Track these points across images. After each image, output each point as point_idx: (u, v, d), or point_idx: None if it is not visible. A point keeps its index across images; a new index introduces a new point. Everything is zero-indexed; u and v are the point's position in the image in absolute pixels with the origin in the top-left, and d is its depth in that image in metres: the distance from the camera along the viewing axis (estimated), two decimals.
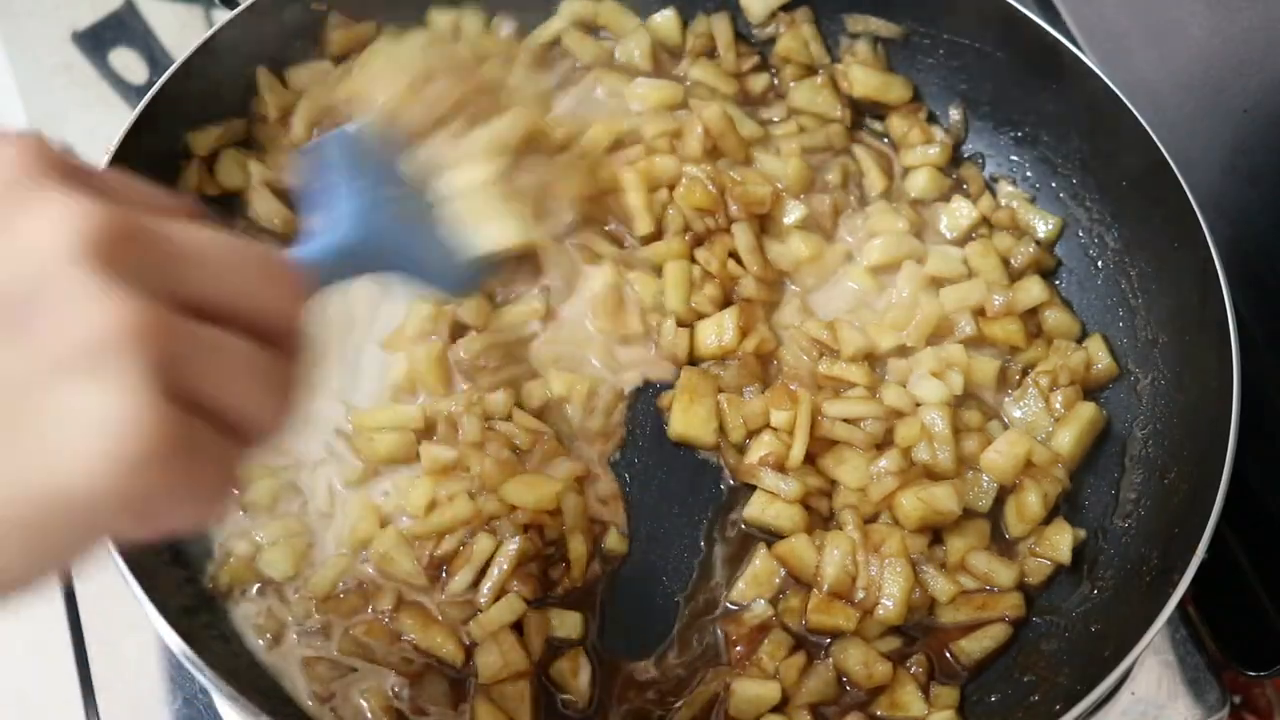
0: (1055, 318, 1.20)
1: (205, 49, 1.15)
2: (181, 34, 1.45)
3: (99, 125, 1.35)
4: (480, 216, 0.88)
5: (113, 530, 0.50)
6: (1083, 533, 1.09)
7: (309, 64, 1.24)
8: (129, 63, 1.44)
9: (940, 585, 1.06)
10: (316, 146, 0.81)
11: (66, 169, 0.51)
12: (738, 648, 1.04)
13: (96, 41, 1.45)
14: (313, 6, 1.23)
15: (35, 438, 0.46)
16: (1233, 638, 1.17)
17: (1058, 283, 1.25)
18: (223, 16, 1.18)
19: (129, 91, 1.42)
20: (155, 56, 1.44)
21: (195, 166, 1.18)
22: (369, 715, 0.99)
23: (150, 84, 1.19)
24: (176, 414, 0.48)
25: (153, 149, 1.13)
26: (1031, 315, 1.21)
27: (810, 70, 1.32)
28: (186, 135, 1.18)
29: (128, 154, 1.08)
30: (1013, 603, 1.06)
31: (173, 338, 0.49)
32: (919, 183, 1.27)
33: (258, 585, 1.03)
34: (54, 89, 1.41)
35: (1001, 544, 1.10)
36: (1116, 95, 1.15)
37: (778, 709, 1.01)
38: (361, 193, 0.79)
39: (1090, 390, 1.17)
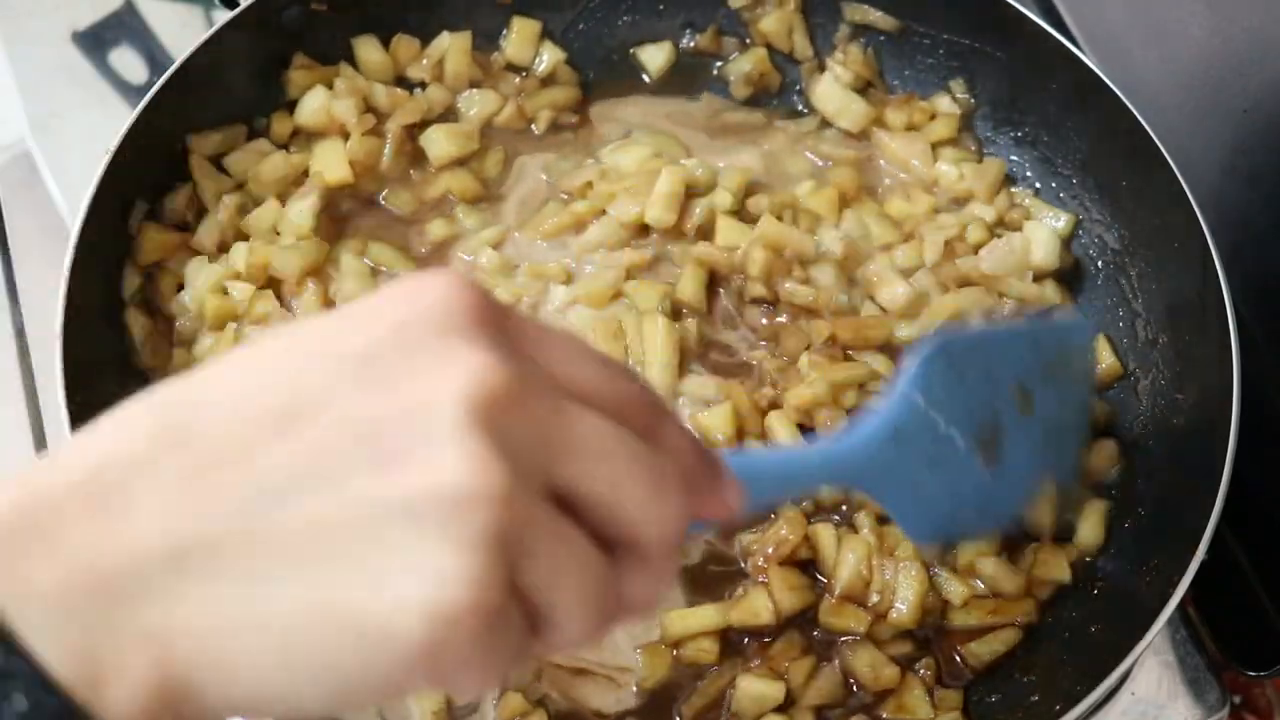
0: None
1: (205, 49, 1.15)
2: (181, 34, 1.45)
3: (99, 125, 1.34)
4: None
5: (394, 686, 0.49)
6: (1075, 551, 1.09)
7: (250, 146, 1.22)
8: (129, 63, 1.44)
9: (954, 588, 1.06)
10: (927, 345, 0.75)
11: (496, 322, 0.50)
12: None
13: (96, 41, 1.45)
14: (313, 6, 1.23)
15: (363, 569, 0.46)
16: (1233, 638, 1.17)
17: (1062, 285, 1.25)
18: (223, 16, 1.18)
19: (129, 91, 1.42)
20: (155, 56, 1.44)
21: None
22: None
23: (150, 84, 1.19)
24: (503, 591, 0.47)
25: (153, 149, 1.13)
26: None
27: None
28: (187, 136, 1.18)
29: (127, 154, 1.08)
30: (1026, 608, 1.06)
31: (528, 519, 0.48)
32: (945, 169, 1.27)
33: None
34: (54, 89, 1.41)
35: (1011, 550, 1.10)
36: (1116, 95, 1.15)
37: (782, 709, 1.01)
38: (911, 404, 0.72)
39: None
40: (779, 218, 1.18)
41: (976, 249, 1.21)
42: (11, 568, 0.44)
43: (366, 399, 0.47)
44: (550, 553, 0.49)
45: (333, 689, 0.48)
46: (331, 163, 1.20)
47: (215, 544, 0.46)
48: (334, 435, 0.47)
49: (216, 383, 0.49)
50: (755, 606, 1.03)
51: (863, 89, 1.32)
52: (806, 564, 1.07)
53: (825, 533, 1.06)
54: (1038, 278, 1.21)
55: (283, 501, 0.46)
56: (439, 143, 1.24)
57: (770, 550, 1.05)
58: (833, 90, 1.30)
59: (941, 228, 1.22)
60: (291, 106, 1.24)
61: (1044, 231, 1.22)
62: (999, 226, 1.24)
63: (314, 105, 1.22)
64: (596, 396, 0.53)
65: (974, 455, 0.77)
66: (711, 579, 1.07)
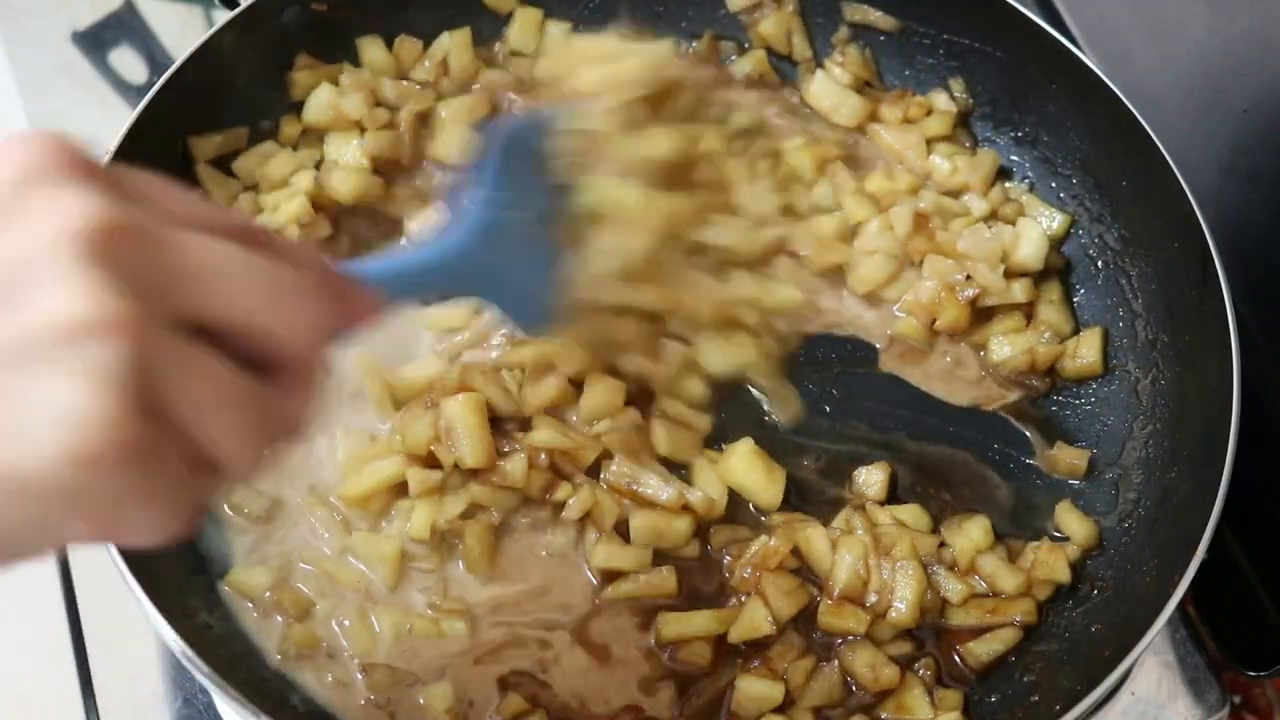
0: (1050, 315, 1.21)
1: (205, 49, 1.15)
2: (181, 34, 1.45)
3: (99, 125, 1.34)
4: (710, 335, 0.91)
5: (67, 529, 0.49)
6: (1075, 550, 1.09)
7: (258, 148, 1.22)
8: (129, 63, 1.44)
9: (953, 587, 1.06)
10: (495, 136, 0.79)
11: (87, 168, 0.51)
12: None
13: (96, 41, 1.45)
14: (313, 6, 1.23)
15: None
16: (1233, 638, 1.17)
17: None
18: (223, 16, 1.18)
19: (129, 91, 1.42)
20: (155, 56, 1.44)
21: None
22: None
23: (150, 84, 1.19)
24: (141, 422, 0.47)
25: (152, 150, 1.13)
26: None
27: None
28: (186, 137, 1.18)
29: (127, 154, 1.08)
30: (1025, 608, 1.06)
31: (154, 345, 0.48)
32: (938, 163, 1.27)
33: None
34: (54, 89, 1.41)
35: (1010, 546, 1.10)
36: (1116, 95, 1.15)
37: (781, 709, 1.01)
38: (493, 205, 0.78)
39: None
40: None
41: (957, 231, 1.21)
42: None
43: None
44: (191, 383, 0.49)
45: None
46: (344, 177, 1.20)
47: None
48: None
49: None
50: (755, 620, 1.03)
51: (860, 89, 1.32)
52: (797, 567, 1.07)
53: (816, 534, 1.06)
54: (1014, 274, 1.20)
55: None
56: (455, 107, 1.25)
57: (756, 563, 1.05)
58: (827, 86, 1.30)
59: (915, 200, 1.23)
60: (298, 109, 1.24)
61: (1035, 230, 1.22)
62: (992, 220, 1.24)
63: (321, 102, 1.22)
64: (210, 225, 0.53)
65: (539, 236, 0.82)
66: (705, 593, 1.07)
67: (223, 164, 1.21)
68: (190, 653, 0.90)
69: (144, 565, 0.93)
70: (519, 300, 0.83)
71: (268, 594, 1.02)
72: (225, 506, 1.06)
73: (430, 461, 1.06)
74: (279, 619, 1.02)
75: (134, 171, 0.54)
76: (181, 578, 1.01)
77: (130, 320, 0.47)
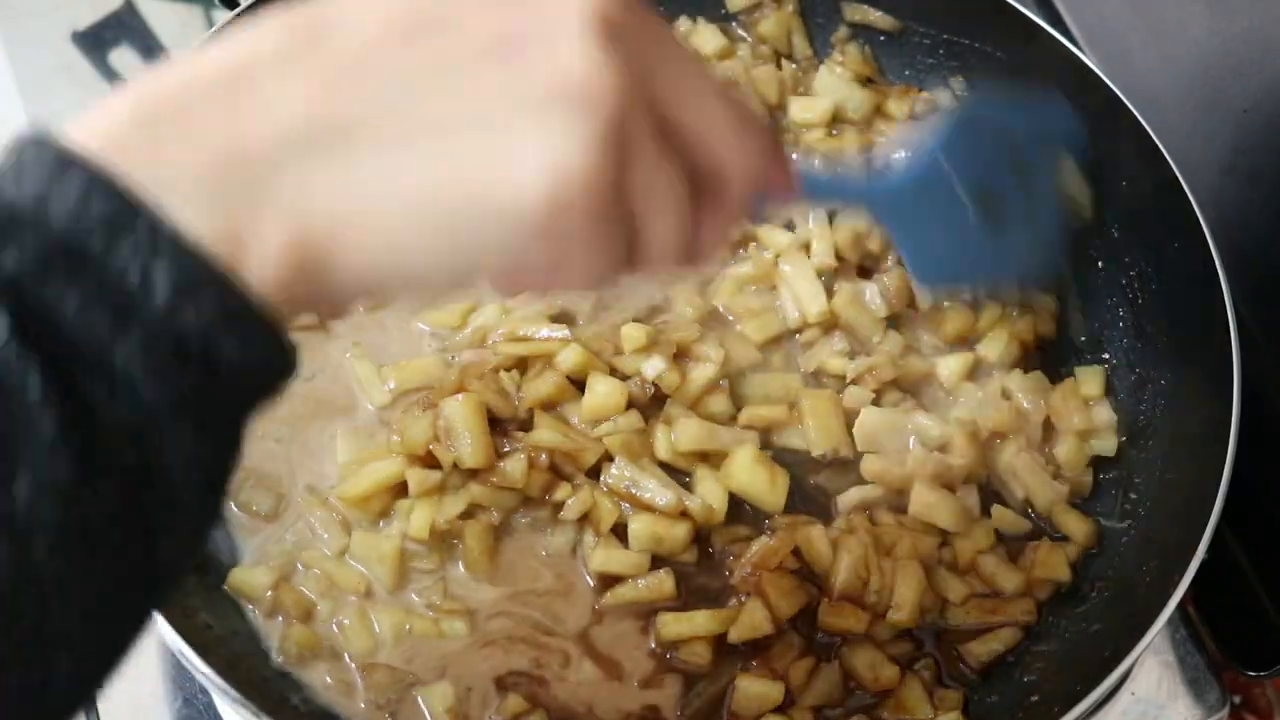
0: None
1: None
2: (181, 34, 1.45)
3: None
4: None
5: (514, 261, 0.53)
6: (1075, 550, 1.09)
7: None
8: (129, 63, 1.44)
9: (952, 587, 1.06)
10: (965, 106, 0.91)
11: None
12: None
13: (96, 41, 1.45)
14: None
15: (488, 148, 0.51)
16: (1233, 638, 1.17)
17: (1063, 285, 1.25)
18: (223, 16, 1.18)
19: None
20: (155, 56, 1.44)
21: None
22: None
23: None
24: (611, 184, 0.52)
25: None
26: None
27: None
28: None
29: None
30: (1025, 608, 1.06)
31: (636, 127, 0.53)
32: None
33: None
34: (54, 89, 1.41)
35: (1009, 546, 1.10)
36: (1116, 95, 1.15)
37: (781, 709, 1.01)
38: (931, 171, 0.84)
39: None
40: None
41: None
42: (156, 151, 0.48)
43: (494, 14, 0.52)
44: (651, 168, 0.55)
45: (457, 254, 0.52)
46: None
47: (351, 127, 0.50)
48: (463, 43, 0.51)
49: (350, 2, 0.53)
50: (755, 620, 1.03)
51: (864, 84, 1.31)
52: (798, 567, 1.07)
53: (816, 534, 1.06)
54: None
55: (414, 90, 0.50)
56: None
57: (756, 562, 1.05)
58: (831, 81, 1.30)
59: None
60: None
61: (1104, 414, 1.19)
62: None
63: None
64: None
65: (979, 214, 0.88)
66: (705, 591, 1.07)
67: None
68: (190, 653, 0.90)
69: None
70: (923, 252, 0.89)
71: (268, 594, 1.02)
72: (233, 505, 1.06)
73: (429, 461, 1.06)
74: (279, 620, 1.02)
75: None
76: (181, 577, 1.01)
77: (625, 93, 0.52)
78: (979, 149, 0.87)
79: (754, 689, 1.01)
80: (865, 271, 1.19)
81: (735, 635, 1.03)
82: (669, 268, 0.60)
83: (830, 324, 1.16)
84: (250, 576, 1.03)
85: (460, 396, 1.05)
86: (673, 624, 1.03)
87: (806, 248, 1.18)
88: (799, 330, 1.17)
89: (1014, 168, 0.92)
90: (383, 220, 0.50)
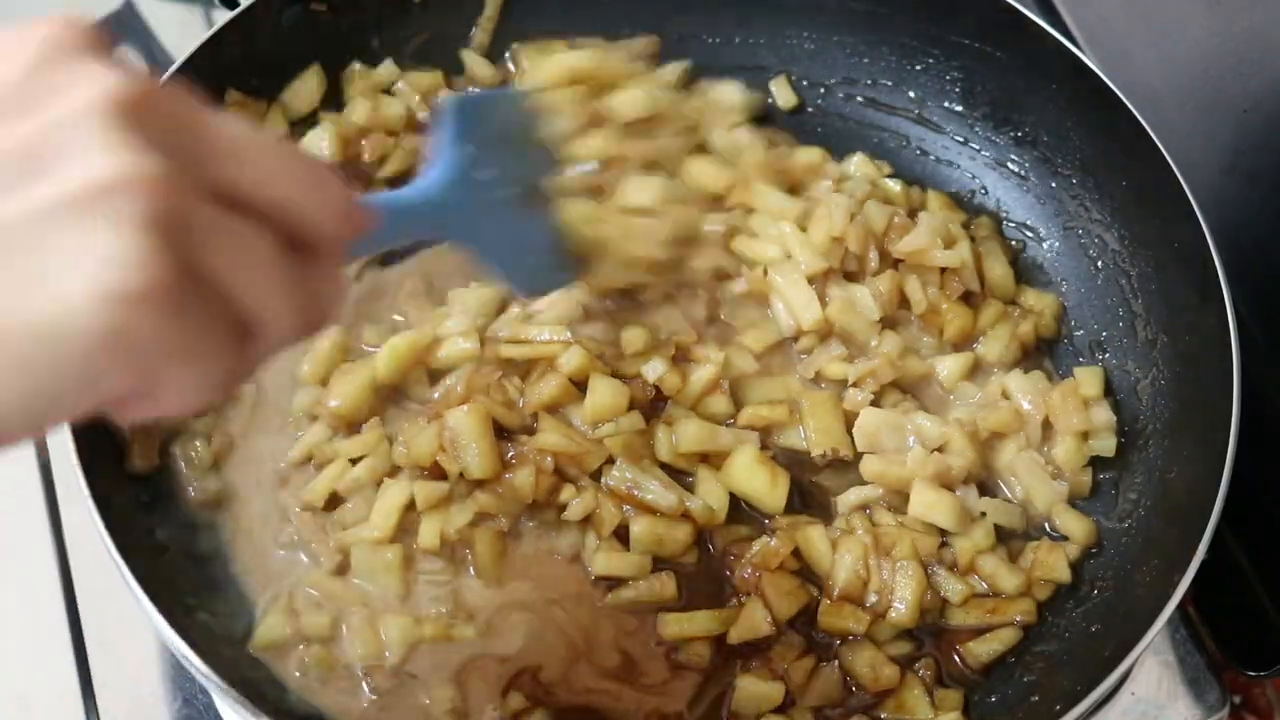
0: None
1: (205, 49, 1.14)
2: (181, 34, 1.45)
3: None
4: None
5: (106, 378, 0.49)
6: (1075, 550, 1.09)
7: None
8: (129, 62, 1.44)
9: (952, 587, 1.06)
10: (446, 102, 0.88)
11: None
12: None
13: None
14: (313, 7, 1.23)
15: (31, 275, 0.47)
16: (1233, 638, 1.17)
17: (1063, 285, 1.25)
18: (223, 16, 1.18)
19: None
20: (155, 56, 1.44)
21: None
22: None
23: None
24: (176, 266, 0.48)
25: None
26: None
27: None
28: None
29: None
30: (1025, 608, 1.06)
31: (188, 204, 0.49)
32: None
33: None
34: None
35: (1010, 546, 1.10)
36: (1116, 95, 1.15)
37: (781, 710, 1.01)
38: (458, 161, 0.85)
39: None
40: None
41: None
42: None
43: (8, 132, 0.49)
44: (226, 245, 0.51)
45: (31, 397, 0.48)
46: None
47: None
48: None
49: None
50: (754, 621, 1.03)
51: None
52: (798, 568, 1.07)
53: (816, 534, 1.06)
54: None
55: None
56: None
57: (757, 563, 1.05)
58: None
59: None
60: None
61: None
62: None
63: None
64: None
65: (521, 205, 0.92)
66: (706, 592, 1.07)
67: None
68: (190, 653, 0.90)
69: (144, 564, 0.93)
70: (513, 262, 0.92)
71: (287, 631, 1.01)
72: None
73: (436, 472, 1.06)
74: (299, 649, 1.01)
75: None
76: (181, 577, 1.02)
77: (164, 178, 0.48)
78: (479, 140, 0.88)
79: (754, 689, 1.01)
80: (852, 275, 1.19)
81: (735, 635, 1.03)
82: (293, 333, 0.56)
83: (826, 331, 1.16)
84: (270, 632, 1.01)
85: (465, 407, 1.05)
86: (673, 624, 1.03)
87: (792, 257, 1.18)
88: (796, 338, 1.17)
89: (512, 157, 0.92)
90: None
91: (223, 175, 0.52)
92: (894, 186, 1.26)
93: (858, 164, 1.28)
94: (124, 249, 0.47)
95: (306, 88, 1.23)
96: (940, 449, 1.10)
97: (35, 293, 0.47)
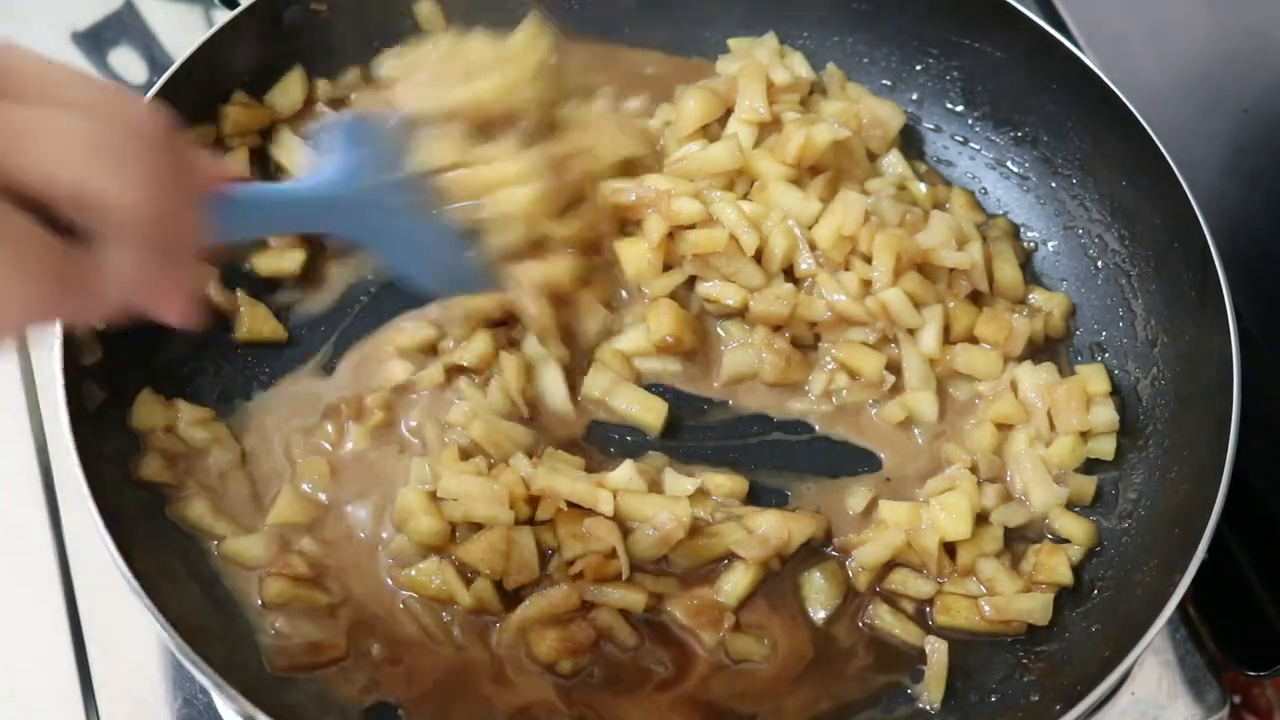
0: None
1: (205, 49, 1.14)
2: (181, 34, 1.45)
3: None
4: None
5: None
6: (1077, 551, 1.09)
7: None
8: (129, 63, 1.44)
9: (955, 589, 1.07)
10: (327, 123, 0.92)
11: None
12: None
13: (96, 41, 1.45)
14: (312, 7, 1.23)
15: None
16: (1233, 638, 1.17)
17: (1063, 284, 1.25)
18: (223, 16, 1.18)
19: (129, 91, 1.42)
20: (155, 56, 1.44)
21: None
22: None
23: (150, 84, 1.19)
24: None
25: None
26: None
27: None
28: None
29: None
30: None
31: None
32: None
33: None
34: None
35: (1012, 549, 1.10)
36: (1116, 95, 1.15)
37: None
38: (347, 167, 0.89)
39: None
40: None
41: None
42: None
43: None
44: None
45: None
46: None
47: None
48: None
49: None
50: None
51: None
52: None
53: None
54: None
55: None
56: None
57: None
58: None
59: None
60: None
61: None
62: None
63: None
64: (55, 96, 0.53)
65: (416, 210, 0.95)
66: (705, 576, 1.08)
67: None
68: (190, 653, 0.90)
69: (144, 564, 0.93)
70: (417, 263, 0.97)
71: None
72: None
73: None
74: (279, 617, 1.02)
75: None
76: (181, 577, 1.02)
77: None
78: (366, 154, 0.92)
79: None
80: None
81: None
82: (37, 318, 0.55)
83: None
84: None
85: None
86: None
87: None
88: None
89: (396, 171, 0.95)
90: None
91: (6, 168, 0.51)
92: (920, 188, 1.25)
93: (892, 162, 1.27)
94: None
95: (291, 88, 1.23)
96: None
97: None
